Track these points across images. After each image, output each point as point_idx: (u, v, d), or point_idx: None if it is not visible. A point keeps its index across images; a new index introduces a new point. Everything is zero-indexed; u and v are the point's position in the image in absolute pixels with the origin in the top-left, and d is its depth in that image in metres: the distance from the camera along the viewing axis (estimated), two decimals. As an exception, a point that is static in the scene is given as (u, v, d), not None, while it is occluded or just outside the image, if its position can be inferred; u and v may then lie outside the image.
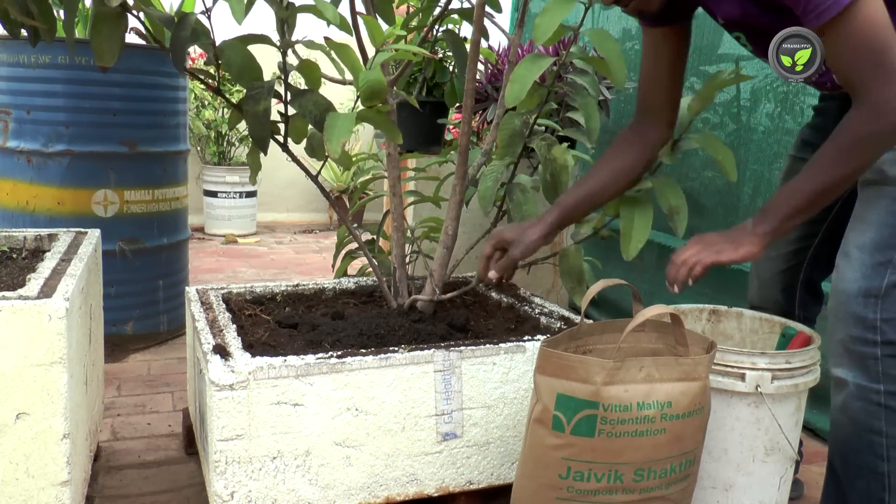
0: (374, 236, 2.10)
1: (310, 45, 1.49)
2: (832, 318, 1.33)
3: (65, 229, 1.84)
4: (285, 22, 1.50)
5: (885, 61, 1.12)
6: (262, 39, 1.54)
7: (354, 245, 2.10)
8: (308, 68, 1.53)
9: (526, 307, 1.86)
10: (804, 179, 1.25)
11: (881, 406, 1.27)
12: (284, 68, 1.55)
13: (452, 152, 1.99)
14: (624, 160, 1.55)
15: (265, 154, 1.61)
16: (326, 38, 1.46)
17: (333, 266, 2.13)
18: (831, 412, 1.36)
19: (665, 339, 1.42)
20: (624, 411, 1.26)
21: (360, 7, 1.80)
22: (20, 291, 1.30)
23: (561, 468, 1.29)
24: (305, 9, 1.45)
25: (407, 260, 1.93)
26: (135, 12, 1.52)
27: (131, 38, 1.60)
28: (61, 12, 1.65)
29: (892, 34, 1.13)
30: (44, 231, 1.81)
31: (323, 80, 1.69)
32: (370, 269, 2.14)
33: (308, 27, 1.71)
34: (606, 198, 1.57)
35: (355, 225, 1.85)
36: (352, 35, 1.51)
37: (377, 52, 1.51)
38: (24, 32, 1.58)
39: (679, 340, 1.37)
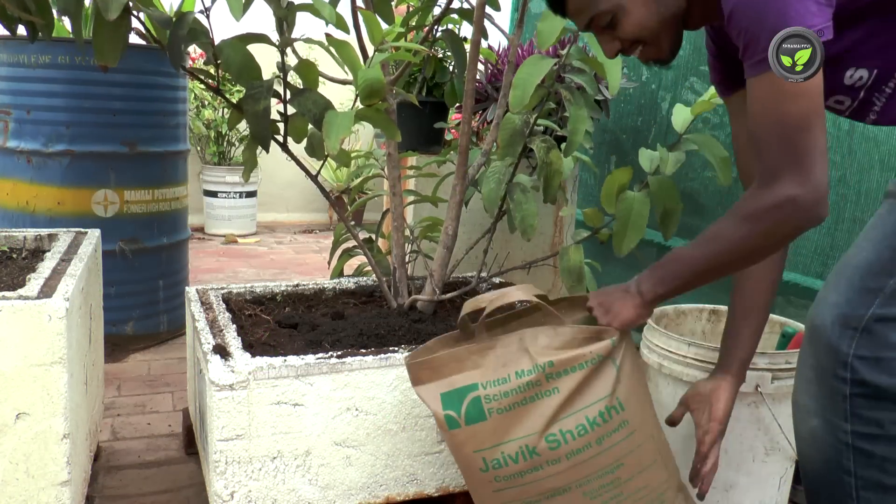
0: (372, 235, 2.10)
1: (309, 41, 1.49)
2: (806, 339, 1.21)
3: (65, 229, 1.84)
4: (284, 21, 1.50)
5: (795, 147, 1.05)
6: (261, 38, 1.53)
7: (351, 243, 2.10)
8: (306, 68, 1.53)
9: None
10: (693, 247, 1.19)
11: (849, 446, 1.15)
12: (283, 67, 1.55)
13: (452, 152, 1.99)
14: (762, 273, 1.38)
15: (267, 152, 1.61)
16: (327, 35, 1.46)
17: (329, 263, 2.13)
18: (798, 440, 1.25)
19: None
20: (503, 383, 1.23)
21: (359, 6, 1.80)
22: (20, 291, 1.30)
23: (477, 462, 1.26)
24: (303, 7, 1.45)
25: (406, 260, 1.93)
26: (135, 13, 1.52)
27: (132, 38, 1.61)
28: (64, 18, 1.64)
29: (815, 120, 1.04)
30: (44, 231, 1.81)
31: (323, 79, 1.69)
32: (368, 269, 2.14)
33: (308, 26, 1.72)
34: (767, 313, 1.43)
35: (353, 223, 1.84)
36: (349, 33, 1.51)
37: (376, 51, 1.51)
38: (22, 30, 1.58)
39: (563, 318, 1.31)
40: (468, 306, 1.30)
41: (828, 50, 1.05)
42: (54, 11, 1.55)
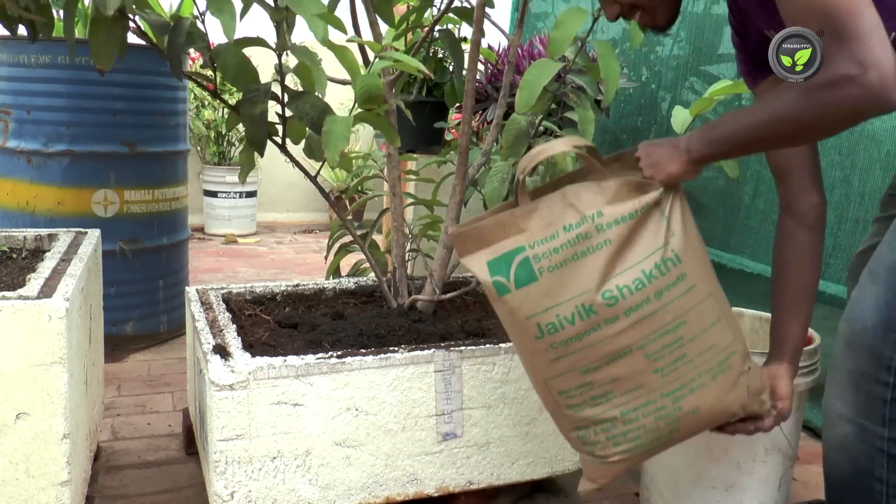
0: (367, 231, 2.10)
1: (301, 52, 1.48)
2: (843, 345, 1.18)
3: (65, 229, 1.84)
4: (280, 25, 1.50)
5: (840, 29, 0.99)
6: (258, 42, 1.53)
7: (346, 239, 2.10)
8: (304, 71, 1.53)
9: (526, 307, 1.86)
10: (747, 113, 1.14)
11: (884, 453, 1.14)
12: (281, 70, 1.55)
13: (452, 152, 1.99)
14: (802, 266, 1.34)
15: (262, 156, 1.61)
16: (328, 41, 1.45)
17: (326, 258, 2.13)
18: (826, 447, 1.23)
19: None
20: (552, 240, 1.19)
21: (360, 7, 1.80)
22: (20, 291, 1.30)
23: (531, 329, 1.21)
24: (297, 12, 1.45)
25: (406, 259, 1.93)
26: (131, 17, 1.52)
27: (131, 38, 1.61)
28: (62, 13, 1.65)
29: (860, 3, 0.99)
30: (44, 231, 1.81)
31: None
32: (364, 266, 2.14)
33: (307, 29, 1.71)
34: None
35: (350, 218, 1.84)
36: (346, 34, 1.51)
37: (377, 58, 1.51)
38: (22, 30, 1.58)
39: (609, 173, 1.25)
40: (522, 165, 1.24)
41: None
42: (54, 11, 1.55)
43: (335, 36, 1.45)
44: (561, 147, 1.25)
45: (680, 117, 1.77)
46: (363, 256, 1.91)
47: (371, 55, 1.59)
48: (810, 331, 1.58)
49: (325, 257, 2.14)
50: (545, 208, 1.22)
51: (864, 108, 1.01)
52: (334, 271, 2.14)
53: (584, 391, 1.21)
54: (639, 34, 1.45)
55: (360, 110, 1.48)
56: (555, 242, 1.19)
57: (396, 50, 1.55)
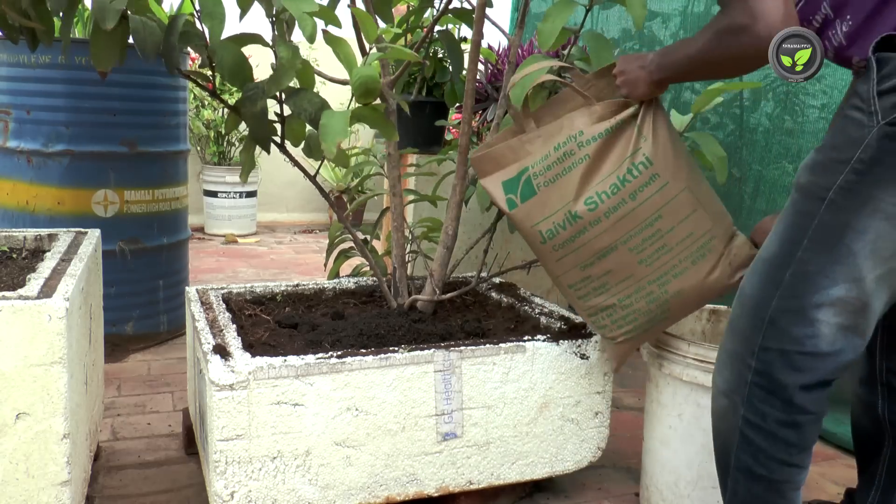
0: (368, 237, 2.10)
1: (284, 47, 1.47)
2: (728, 324, 1.27)
3: (65, 229, 1.84)
4: (276, 22, 1.50)
5: None
6: (255, 39, 1.53)
7: (347, 244, 2.09)
8: (301, 68, 1.52)
9: (526, 307, 1.86)
10: (684, 43, 1.30)
11: (737, 429, 1.22)
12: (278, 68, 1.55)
13: (451, 152, 1.99)
14: None
15: (268, 153, 1.61)
16: (324, 32, 1.45)
17: (325, 265, 2.12)
18: (712, 413, 1.30)
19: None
20: (546, 158, 1.43)
21: (360, 7, 1.80)
22: (20, 291, 1.30)
23: (536, 236, 1.46)
24: (290, 9, 1.44)
25: (406, 259, 1.93)
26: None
27: (131, 38, 1.60)
28: (62, 14, 1.64)
29: None
30: (44, 231, 1.81)
31: (323, 80, 1.69)
32: (365, 269, 2.13)
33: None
34: None
35: (352, 221, 1.84)
36: (341, 27, 1.51)
37: (372, 49, 1.51)
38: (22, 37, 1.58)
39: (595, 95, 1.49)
40: (514, 93, 1.47)
41: None
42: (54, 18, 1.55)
43: (335, 33, 1.44)
44: (536, 68, 1.46)
45: (677, 118, 1.77)
46: (362, 261, 1.90)
47: (367, 47, 1.58)
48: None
49: (325, 264, 2.13)
50: (545, 132, 1.45)
51: (754, 53, 1.15)
52: (335, 277, 2.14)
53: (587, 284, 1.46)
54: (640, 12, 1.46)
55: (357, 106, 1.48)
56: (548, 160, 1.43)
57: (396, 36, 1.53)
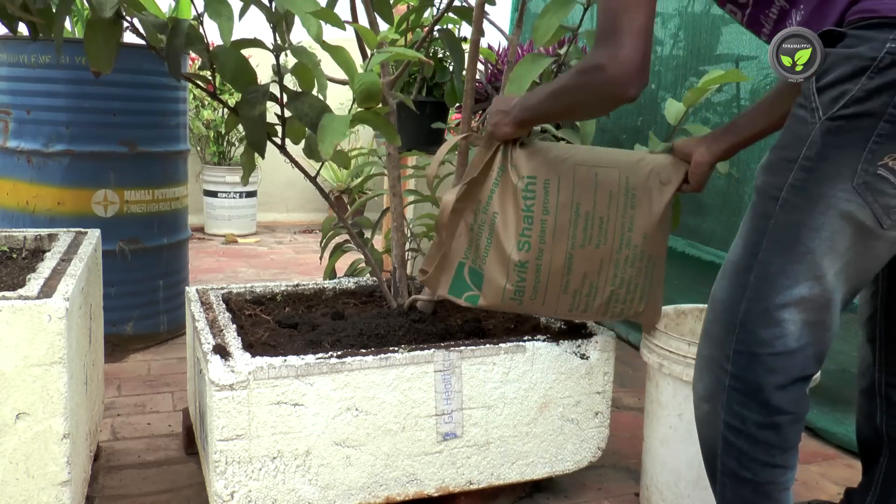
0: (362, 229, 2.09)
1: (299, 52, 1.47)
2: (703, 331, 1.27)
3: (65, 229, 1.84)
4: (276, 26, 1.50)
5: (608, 22, 1.13)
6: (256, 43, 1.53)
7: (341, 239, 2.09)
8: (302, 71, 1.52)
9: (526, 307, 1.86)
10: (547, 84, 1.32)
11: (720, 434, 1.22)
12: (279, 71, 1.55)
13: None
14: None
15: (263, 157, 1.61)
16: (322, 42, 1.45)
17: (321, 259, 2.11)
18: (696, 420, 1.30)
19: None
20: (471, 243, 1.53)
21: (359, 7, 1.80)
22: (20, 291, 1.30)
23: (512, 304, 1.53)
24: (291, 10, 1.45)
25: (406, 259, 1.93)
26: (129, 18, 1.51)
27: (131, 38, 1.60)
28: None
29: (634, 4, 1.11)
30: (44, 231, 1.81)
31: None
32: (362, 265, 2.13)
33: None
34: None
35: (352, 222, 1.84)
36: (344, 29, 1.51)
37: (373, 54, 1.51)
38: (22, 27, 1.58)
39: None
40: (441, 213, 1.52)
41: None
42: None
43: (334, 35, 1.44)
44: (438, 158, 1.52)
45: (673, 108, 1.77)
46: (359, 256, 1.90)
47: (369, 52, 1.58)
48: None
49: (321, 258, 2.13)
50: (456, 223, 1.52)
51: (606, 94, 1.18)
52: (331, 272, 2.14)
53: (578, 298, 1.52)
54: None
55: (359, 109, 1.48)
56: (473, 242, 1.51)
57: (395, 41, 1.54)
